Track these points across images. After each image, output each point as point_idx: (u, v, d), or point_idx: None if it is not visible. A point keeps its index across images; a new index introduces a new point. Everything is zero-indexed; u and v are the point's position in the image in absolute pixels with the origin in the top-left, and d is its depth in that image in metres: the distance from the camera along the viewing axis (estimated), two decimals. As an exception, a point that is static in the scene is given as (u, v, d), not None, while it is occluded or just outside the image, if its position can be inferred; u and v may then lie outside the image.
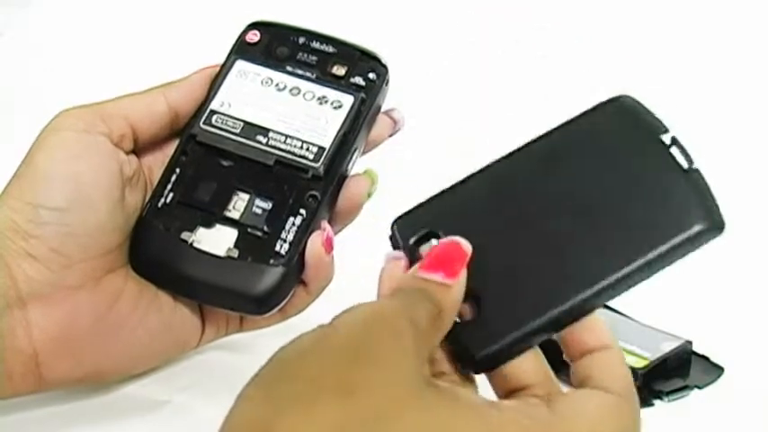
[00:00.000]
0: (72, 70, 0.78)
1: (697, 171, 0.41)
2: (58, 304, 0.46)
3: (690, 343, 0.59)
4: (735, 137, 0.78)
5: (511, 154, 0.43)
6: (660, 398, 0.55)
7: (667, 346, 0.58)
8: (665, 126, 0.42)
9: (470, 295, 0.40)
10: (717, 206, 0.41)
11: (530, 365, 0.40)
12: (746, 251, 0.69)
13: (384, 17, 0.86)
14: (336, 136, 0.50)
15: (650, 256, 0.40)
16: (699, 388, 0.56)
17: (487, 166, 0.44)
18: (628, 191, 0.41)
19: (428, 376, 0.37)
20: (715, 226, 0.40)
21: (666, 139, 0.42)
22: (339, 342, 0.35)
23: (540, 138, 0.43)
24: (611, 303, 0.64)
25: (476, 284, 0.40)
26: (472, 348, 0.40)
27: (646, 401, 0.55)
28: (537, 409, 0.38)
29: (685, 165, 0.41)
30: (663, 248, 0.40)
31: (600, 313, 0.62)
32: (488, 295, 0.41)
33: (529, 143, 0.43)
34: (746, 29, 0.88)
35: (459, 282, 0.39)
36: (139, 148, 0.50)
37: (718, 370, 0.58)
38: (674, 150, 0.42)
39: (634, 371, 0.55)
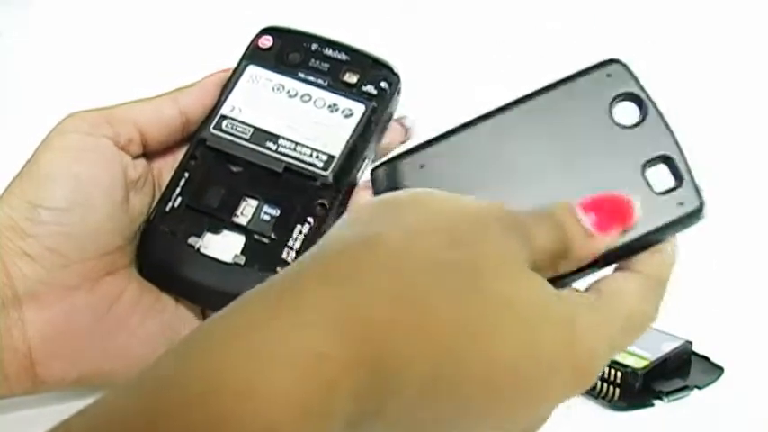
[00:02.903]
0: (72, 70, 0.78)
1: None
2: (54, 304, 0.46)
3: (690, 343, 0.59)
4: (737, 138, 0.78)
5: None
6: (660, 398, 0.55)
7: (667, 346, 0.58)
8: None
9: None
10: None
11: None
12: (746, 251, 0.69)
13: (397, 25, 0.86)
14: (346, 145, 0.50)
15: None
16: (699, 388, 0.56)
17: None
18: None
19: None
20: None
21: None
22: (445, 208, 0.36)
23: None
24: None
25: None
26: None
27: (646, 401, 0.55)
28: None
29: None
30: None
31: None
32: None
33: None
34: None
35: (607, 239, 0.38)
36: (150, 152, 0.50)
37: (718, 370, 0.58)
38: None
39: (634, 371, 0.55)
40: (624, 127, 0.41)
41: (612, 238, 0.38)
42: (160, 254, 0.49)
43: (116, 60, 0.79)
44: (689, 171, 0.41)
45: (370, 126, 0.51)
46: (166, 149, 0.51)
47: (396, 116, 0.53)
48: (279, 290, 0.32)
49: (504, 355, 0.33)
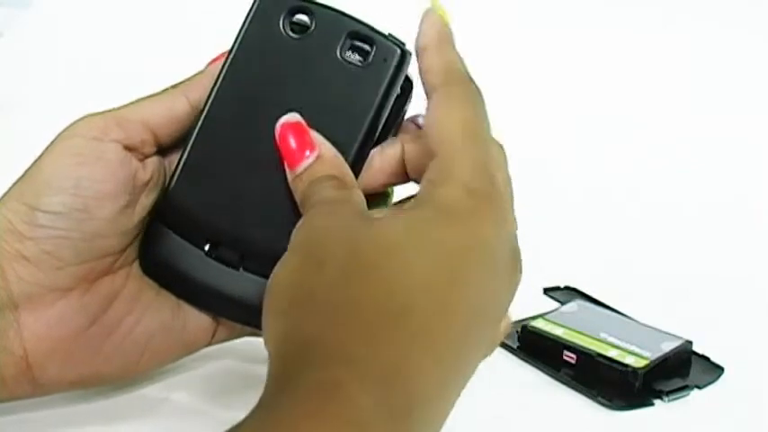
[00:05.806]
0: (72, 70, 0.78)
1: None
2: (49, 306, 0.46)
3: (690, 343, 0.59)
4: (738, 140, 0.78)
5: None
6: (660, 398, 0.55)
7: (667, 346, 0.58)
8: None
9: None
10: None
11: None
12: (745, 251, 0.69)
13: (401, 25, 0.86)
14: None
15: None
16: (699, 388, 0.56)
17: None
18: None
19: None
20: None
21: None
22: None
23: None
24: (611, 304, 0.65)
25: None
26: None
27: (646, 401, 0.55)
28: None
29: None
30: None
31: (601, 314, 0.62)
32: None
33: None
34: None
35: (322, 145, 0.44)
36: (164, 149, 0.49)
37: (718, 370, 0.58)
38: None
39: (634, 370, 0.55)
40: (300, 36, 0.46)
41: (322, 140, 0.44)
42: (165, 254, 0.48)
43: (116, 59, 0.79)
44: (375, 31, 0.45)
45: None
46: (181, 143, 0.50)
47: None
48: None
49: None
